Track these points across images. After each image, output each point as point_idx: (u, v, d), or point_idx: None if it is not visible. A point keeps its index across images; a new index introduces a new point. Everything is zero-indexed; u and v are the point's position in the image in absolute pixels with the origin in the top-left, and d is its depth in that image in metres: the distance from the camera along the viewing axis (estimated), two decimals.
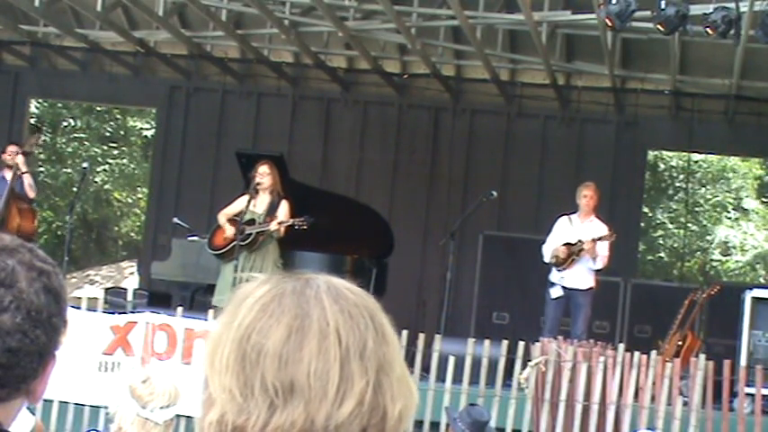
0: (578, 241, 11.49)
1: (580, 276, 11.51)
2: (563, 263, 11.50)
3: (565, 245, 11.53)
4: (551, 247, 11.63)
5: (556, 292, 11.53)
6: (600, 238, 11.44)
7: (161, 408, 4.39)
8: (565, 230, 11.68)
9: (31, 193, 12.02)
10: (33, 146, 12.67)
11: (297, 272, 1.53)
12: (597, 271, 11.59)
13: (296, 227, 10.87)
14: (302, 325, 1.45)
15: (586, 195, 11.69)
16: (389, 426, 1.46)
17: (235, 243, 11.03)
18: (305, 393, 1.43)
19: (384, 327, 1.49)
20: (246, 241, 11.00)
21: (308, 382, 1.43)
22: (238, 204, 11.32)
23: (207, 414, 1.47)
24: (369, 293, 1.52)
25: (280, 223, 10.89)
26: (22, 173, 11.90)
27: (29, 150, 12.29)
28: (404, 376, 1.49)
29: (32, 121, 23.07)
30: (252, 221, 11.10)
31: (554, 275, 11.62)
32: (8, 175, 11.97)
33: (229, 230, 11.17)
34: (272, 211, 11.10)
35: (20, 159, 11.89)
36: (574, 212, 11.79)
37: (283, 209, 11.10)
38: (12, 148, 12.15)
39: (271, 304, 1.46)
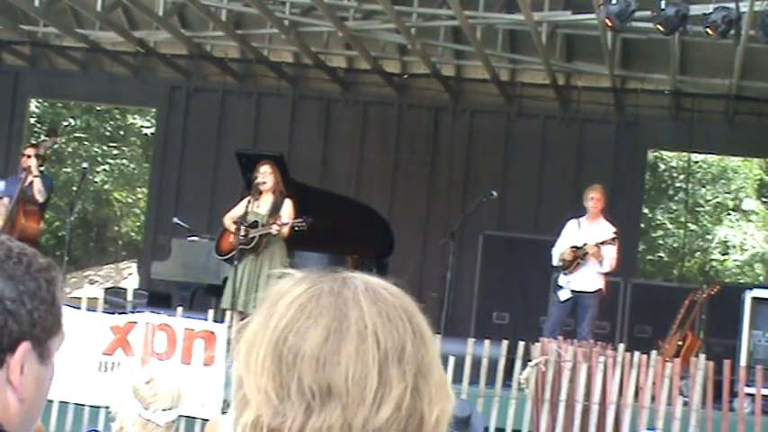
0: (584, 245, 11.48)
1: (587, 279, 11.50)
2: (569, 266, 11.51)
3: (571, 248, 11.54)
4: (559, 251, 11.65)
5: (564, 295, 11.53)
6: (603, 243, 11.42)
7: (163, 410, 4.39)
8: (573, 234, 11.68)
9: (39, 198, 11.98)
10: (49, 149, 12.68)
11: (334, 271, 1.50)
12: (605, 273, 11.59)
13: (296, 228, 10.86)
14: (340, 327, 1.43)
15: (593, 198, 11.67)
16: (427, 430, 1.44)
17: (240, 247, 11.02)
18: (342, 397, 1.41)
19: (422, 329, 1.47)
20: (250, 245, 10.99)
21: (346, 386, 1.41)
22: (242, 206, 11.31)
23: (242, 415, 1.46)
24: (406, 293, 1.50)
25: (280, 225, 10.88)
26: (34, 176, 11.90)
27: (42, 153, 12.29)
28: (442, 380, 1.48)
29: (33, 120, 23.07)
30: (255, 223, 11.09)
31: (561, 279, 11.63)
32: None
33: (233, 234, 11.17)
34: (275, 210, 11.08)
35: (33, 162, 11.89)
36: (582, 215, 11.78)
37: (287, 208, 11.08)
38: (28, 150, 12.18)
39: (308, 305, 1.44)
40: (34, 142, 13.61)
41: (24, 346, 1.60)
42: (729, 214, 28.91)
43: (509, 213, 16.40)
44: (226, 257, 11.44)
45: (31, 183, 11.92)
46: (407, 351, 1.44)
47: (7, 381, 1.60)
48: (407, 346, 1.44)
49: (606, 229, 11.62)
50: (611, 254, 11.46)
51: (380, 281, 1.50)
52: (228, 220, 11.35)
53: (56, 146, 14.69)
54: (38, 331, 1.62)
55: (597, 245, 11.41)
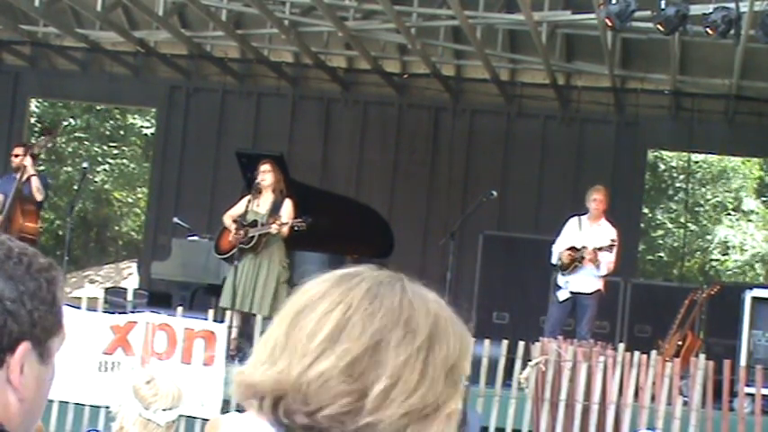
0: (582, 247, 11.47)
1: (585, 281, 11.49)
2: (567, 267, 11.50)
3: (570, 249, 11.52)
4: (559, 250, 11.64)
5: (563, 295, 11.52)
6: (600, 249, 11.40)
7: (164, 410, 4.39)
8: (573, 233, 11.66)
9: (39, 196, 11.97)
10: (43, 147, 12.67)
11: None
12: (603, 276, 11.58)
13: (295, 228, 10.87)
14: (329, 290, 1.50)
15: (596, 199, 11.65)
16: (368, 403, 1.46)
17: (239, 246, 11.03)
18: (294, 349, 1.47)
19: (417, 330, 1.49)
20: (249, 244, 11.00)
21: (300, 339, 1.47)
22: (242, 205, 11.32)
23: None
24: (448, 311, 1.54)
25: (280, 225, 10.89)
26: (31, 175, 11.87)
27: (37, 152, 12.28)
28: (411, 374, 1.47)
29: (33, 120, 23.07)
30: (255, 222, 11.10)
31: (560, 279, 11.62)
32: (18, 176, 12.00)
33: (232, 233, 11.17)
34: (275, 210, 11.09)
35: (28, 161, 11.84)
36: (584, 213, 11.77)
37: (287, 208, 11.10)
38: (17, 150, 12.16)
39: (338, 276, 1.53)
40: (24, 142, 13.55)
41: (24, 347, 1.60)
42: (729, 214, 28.90)
43: (509, 213, 16.40)
44: (225, 256, 11.45)
45: (28, 181, 11.87)
46: (374, 327, 1.47)
47: (7, 381, 1.60)
48: (376, 324, 1.47)
49: (607, 231, 11.60)
50: (608, 259, 11.43)
51: (427, 291, 1.56)
52: (228, 218, 11.36)
53: (50, 145, 14.65)
54: (38, 331, 1.62)
55: (594, 250, 11.39)
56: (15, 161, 11.98)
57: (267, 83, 17.46)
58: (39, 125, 24.05)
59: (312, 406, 1.45)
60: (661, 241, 28.79)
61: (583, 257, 11.40)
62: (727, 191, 28.78)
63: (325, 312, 1.48)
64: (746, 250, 28.24)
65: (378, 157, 17.30)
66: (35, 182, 11.91)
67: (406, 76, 17.11)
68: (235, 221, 11.22)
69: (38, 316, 1.61)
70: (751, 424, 9.78)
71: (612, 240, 11.44)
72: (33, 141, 12.86)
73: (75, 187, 20.35)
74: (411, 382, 1.47)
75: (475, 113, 17.27)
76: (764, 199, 29.16)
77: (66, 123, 26.31)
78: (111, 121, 28.95)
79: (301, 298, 1.51)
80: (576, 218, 11.81)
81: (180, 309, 10.48)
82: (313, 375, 1.45)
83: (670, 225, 28.59)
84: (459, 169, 17.00)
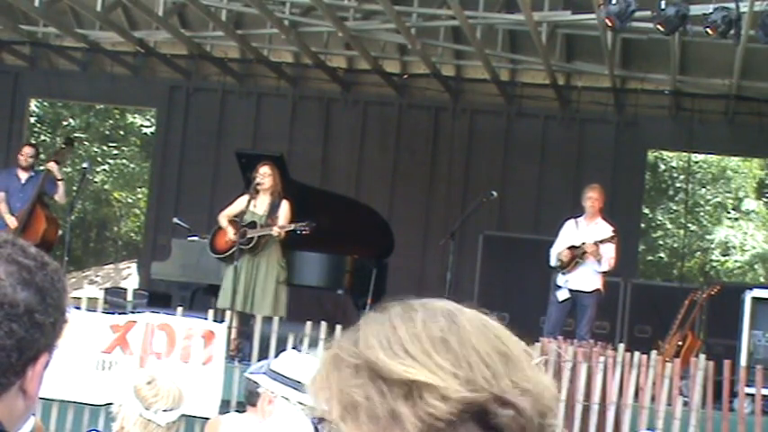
0: (582, 244, 11.48)
1: (585, 278, 11.49)
2: (567, 266, 11.50)
3: (569, 248, 11.53)
4: (557, 251, 11.64)
5: (563, 295, 11.52)
6: (602, 241, 11.42)
7: (164, 410, 4.39)
8: (571, 234, 11.67)
9: (65, 199, 12.85)
10: (65, 157, 13.28)
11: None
12: (604, 273, 11.58)
13: (298, 231, 10.86)
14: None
15: (591, 197, 11.67)
16: None
17: (239, 247, 11.02)
18: None
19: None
20: (249, 245, 11.00)
21: None
22: (239, 205, 11.30)
23: None
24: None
25: (281, 228, 10.88)
26: (59, 179, 12.52)
27: (61, 161, 13.02)
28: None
29: (33, 120, 23.06)
30: (253, 223, 11.08)
31: (559, 279, 11.62)
32: (22, 174, 12.37)
33: (231, 233, 11.15)
34: (272, 211, 11.08)
35: (54, 167, 12.52)
36: (580, 215, 11.78)
37: (284, 210, 11.08)
38: (27, 150, 12.61)
39: None
40: (34, 143, 14.04)
41: (45, 358, 1.60)
42: (729, 214, 28.90)
43: (509, 213, 16.40)
44: (222, 256, 11.43)
45: (55, 186, 12.52)
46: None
47: (20, 389, 1.60)
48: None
49: (604, 229, 11.62)
50: (609, 253, 11.46)
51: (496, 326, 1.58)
52: (224, 219, 11.35)
53: (70, 155, 15.35)
54: (55, 341, 1.62)
55: (596, 243, 11.41)
56: (29, 160, 12.52)
57: (267, 83, 17.46)
58: (39, 125, 24.03)
59: None
60: (661, 241, 28.79)
61: (584, 252, 11.42)
62: (727, 191, 28.78)
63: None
64: (747, 250, 28.23)
65: (378, 157, 17.30)
66: (62, 187, 12.58)
67: (406, 76, 17.11)
68: (232, 222, 11.20)
69: (58, 327, 1.62)
70: (751, 424, 9.77)
71: (613, 231, 11.47)
72: (58, 149, 13.58)
73: (75, 187, 20.34)
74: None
75: (475, 113, 17.27)
76: (765, 199, 29.15)
77: (65, 123, 26.29)
78: (111, 121, 28.95)
79: None
80: (572, 220, 11.82)
81: (180, 309, 10.48)
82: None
83: (670, 225, 28.59)
84: (459, 169, 16.99)
